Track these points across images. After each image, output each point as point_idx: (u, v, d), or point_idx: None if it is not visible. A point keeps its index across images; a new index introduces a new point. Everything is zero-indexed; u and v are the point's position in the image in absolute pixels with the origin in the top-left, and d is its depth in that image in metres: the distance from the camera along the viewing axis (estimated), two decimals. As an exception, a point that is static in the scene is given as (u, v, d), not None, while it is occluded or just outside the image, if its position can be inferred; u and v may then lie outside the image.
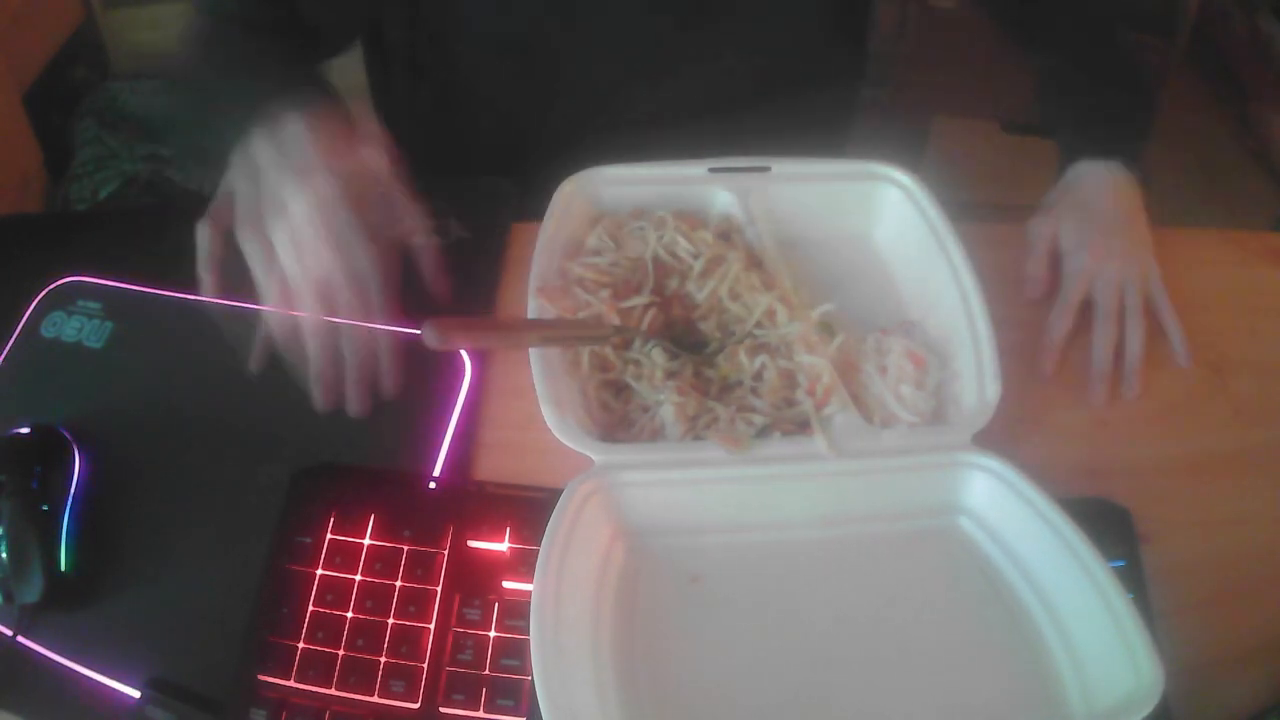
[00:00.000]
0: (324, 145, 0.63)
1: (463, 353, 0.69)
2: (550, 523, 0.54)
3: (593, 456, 0.58)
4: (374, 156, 0.66)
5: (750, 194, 0.72)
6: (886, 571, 0.60)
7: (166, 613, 0.59)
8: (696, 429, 0.61)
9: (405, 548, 0.59)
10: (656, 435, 0.62)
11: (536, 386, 0.60)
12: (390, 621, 0.57)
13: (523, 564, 0.58)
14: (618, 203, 0.73)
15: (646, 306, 0.66)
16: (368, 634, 0.57)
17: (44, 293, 0.73)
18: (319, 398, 0.64)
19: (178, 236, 0.79)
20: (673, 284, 0.68)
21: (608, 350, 0.64)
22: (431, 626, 0.57)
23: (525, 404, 0.62)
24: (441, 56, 0.87)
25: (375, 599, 0.58)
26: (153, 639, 0.58)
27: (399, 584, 0.58)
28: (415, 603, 0.58)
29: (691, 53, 0.83)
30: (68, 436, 0.64)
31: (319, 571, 0.59)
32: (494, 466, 0.65)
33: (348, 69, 0.88)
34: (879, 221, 0.75)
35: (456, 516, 0.61)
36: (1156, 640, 0.52)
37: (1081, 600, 0.54)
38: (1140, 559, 0.61)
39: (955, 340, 0.66)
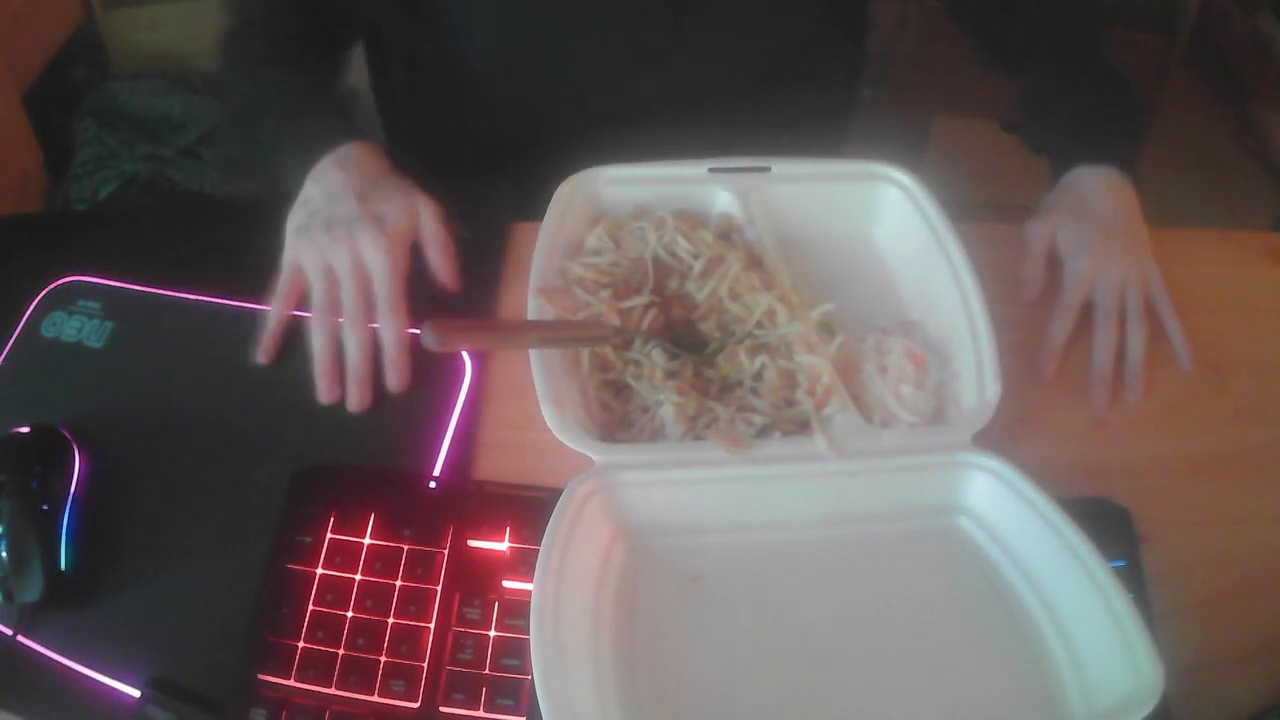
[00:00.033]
0: (374, 170, 0.69)
1: (463, 353, 0.69)
2: (550, 523, 0.54)
3: (593, 456, 0.58)
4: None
5: (750, 194, 0.72)
6: (886, 571, 0.60)
7: (166, 613, 0.59)
8: (696, 429, 0.61)
9: (405, 547, 0.59)
10: (656, 435, 0.61)
11: (536, 386, 0.60)
12: (390, 621, 0.57)
13: (523, 564, 0.58)
14: (618, 203, 0.73)
15: (646, 307, 0.66)
16: (368, 633, 0.57)
17: (44, 293, 0.73)
18: (321, 391, 0.65)
19: (178, 236, 0.80)
20: (673, 284, 0.68)
21: (608, 350, 0.64)
22: (431, 626, 0.57)
23: (525, 404, 0.62)
24: (440, 52, 0.87)
25: (375, 598, 0.58)
26: (153, 639, 0.58)
27: (399, 583, 0.58)
28: (415, 602, 0.58)
29: (690, 48, 0.83)
30: (68, 436, 0.64)
31: (319, 571, 0.59)
32: (494, 466, 0.65)
33: (349, 69, 0.88)
34: (879, 221, 0.75)
35: (456, 516, 0.61)
36: (1156, 640, 0.52)
37: (1081, 600, 0.54)
38: (1140, 559, 0.61)
39: (955, 340, 0.66)
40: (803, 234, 0.73)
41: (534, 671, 0.49)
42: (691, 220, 0.71)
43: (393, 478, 0.63)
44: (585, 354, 0.64)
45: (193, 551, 0.61)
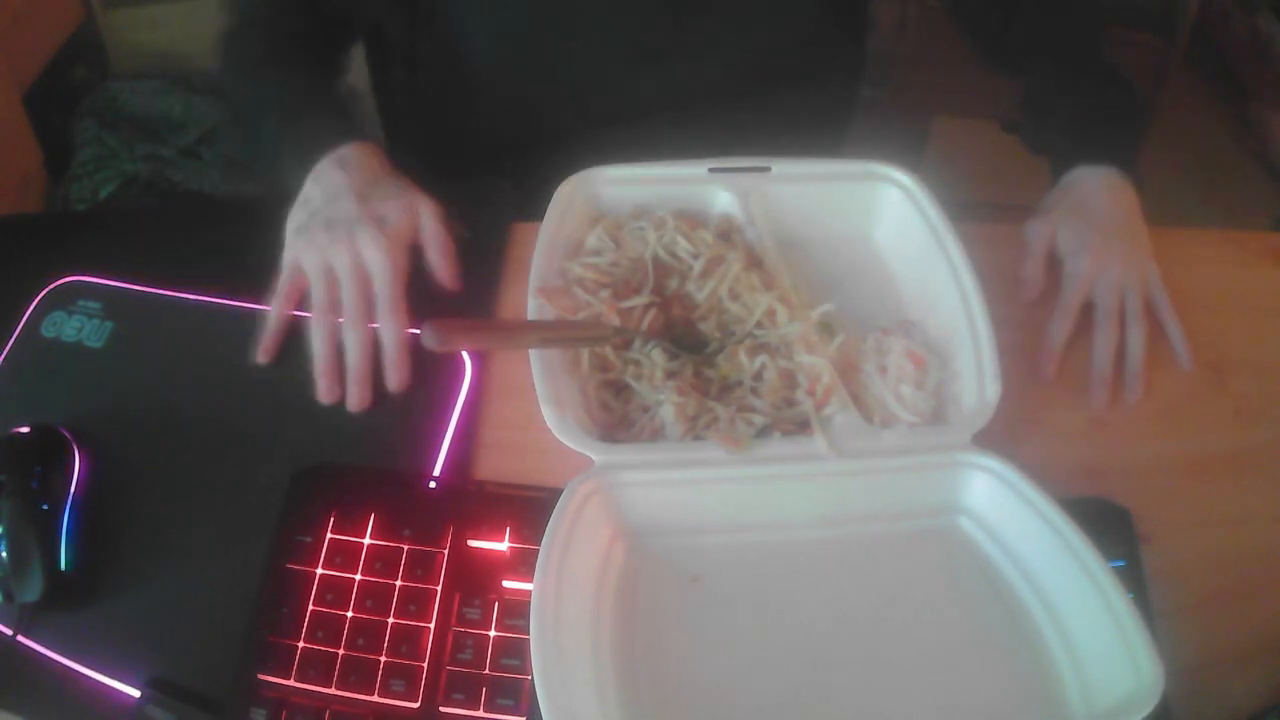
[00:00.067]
0: (374, 170, 0.69)
1: (463, 353, 0.69)
2: (550, 523, 0.54)
3: (593, 456, 0.58)
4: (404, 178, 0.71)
5: (750, 194, 0.72)
6: (886, 571, 0.60)
7: (166, 613, 0.59)
8: (696, 429, 0.61)
9: (405, 547, 0.59)
10: (656, 435, 0.61)
11: (536, 386, 0.60)
12: (390, 621, 0.57)
13: (523, 564, 0.58)
14: (618, 203, 0.73)
15: (646, 307, 0.66)
16: (368, 633, 0.57)
17: (44, 293, 0.73)
18: (321, 391, 0.65)
19: (178, 236, 0.80)
20: (673, 284, 0.68)
21: (608, 350, 0.64)
22: (431, 626, 0.57)
23: (525, 404, 0.62)
24: (440, 52, 0.87)
25: (375, 598, 0.58)
26: (153, 639, 0.58)
27: (399, 583, 0.58)
28: (415, 602, 0.58)
29: (689, 47, 0.83)
30: (68, 436, 0.64)
31: (319, 571, 0.59)
32: (494, 466, 0.65)
33: (349, 69, 0.88)
34: (879, 221, 0.75)
35: (456, 516, 0.61)
36: (1156, 640, 0.52)
37: (1081, 600, 0.54)
38: (1140, 559, 0.61)
39: (955, 340, 0.66)
40: (803, 234, 0.73)
41: (534, 671, 0.49)
42: (691, 220, 0.71)
43: (393, 478, 0.63)
44: (585, 354, 0.64)
45: (193, 551, 0.61)
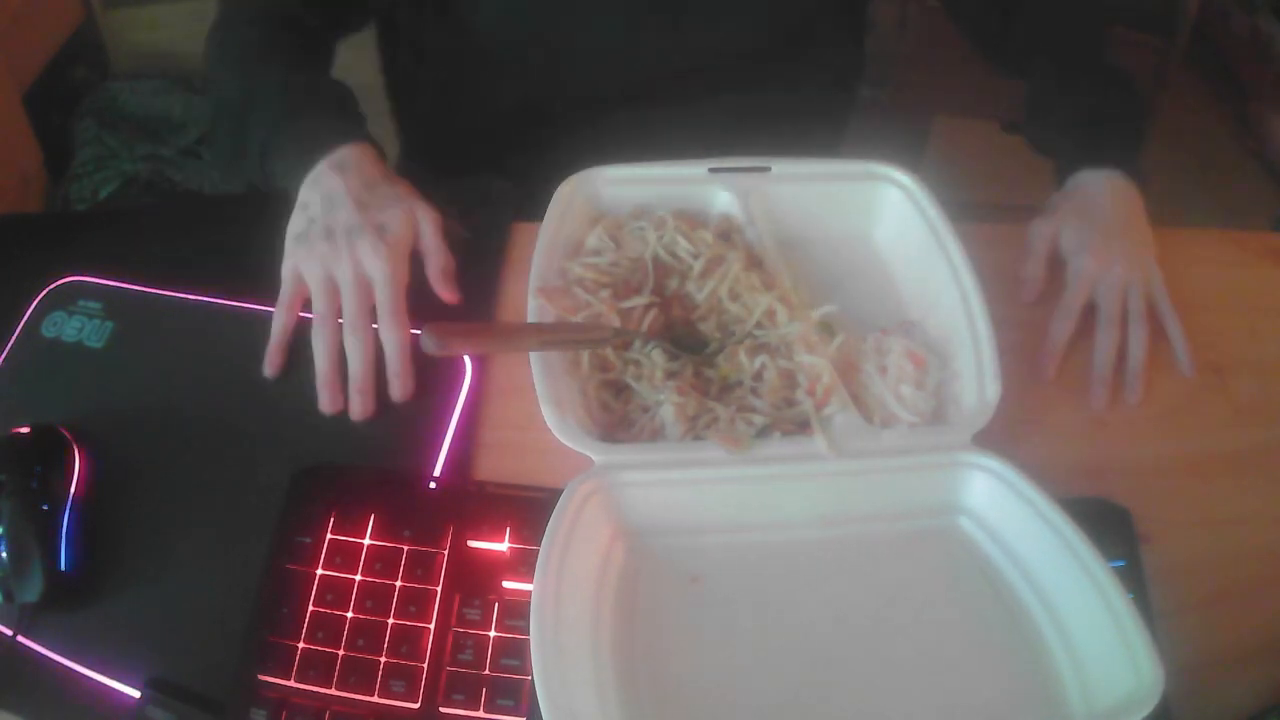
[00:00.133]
0: (372, 175, 0.69)
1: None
2: (550, 523, 0.54)
3: (593, 456, 0.58)
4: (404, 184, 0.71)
5: (750, 194, 0.72)
6: (886, 571, 0.60)
7: (166, 613, 0.59)
8: (696, 429, 0.61)
9: (405, 548, 0.59)
10: (656, 435, 0.61)
11: (536, 386, 0.60)
12: (390, 621, 0.57)
13: (523, 564, 0.58)
14: (618, 203, 0.73)
15: (647, 307, 0.66)
16: (368, 634, 0.57)
17: (44, 293, 0.73)
18: (324, 402, 0.65)
19: (178, 236, 0.80)
20: (673, 284, 0.68)
21: (608, 350, 0.64)
22: (431, 626, 0.57)
23: (525, 404, 0.62)
24: (447, 35, 0.87)
25: (375, 599, 0.58)
26: (153, 639, 0.58)
27: (399, 584, 0.58)
28: (415, 603, 0.58)
29: (694, 19, 0.83)
30: (68, 436, 0.64)
31: (319, 571, 0.59)
32: (494, 466, 0.65)
33: (357, 68, 0.88)
34: (879, 221, 0.75)
35: (456, 516, 0.61)
36: (1156, 640, 0.52)
37: (1081, 600, 0.54)
38: (1140, 559, 0.61)
39: (955, 340, 0.66)
40: (803, 234, 0.73)
41: (534, 671, 0.49)
42: (691, 220, 0.71)
43: (393, 478, 0.63)
44: (585, 354, 0.64)
45: (193, 551, 0.61)
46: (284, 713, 0.54)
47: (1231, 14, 2.10)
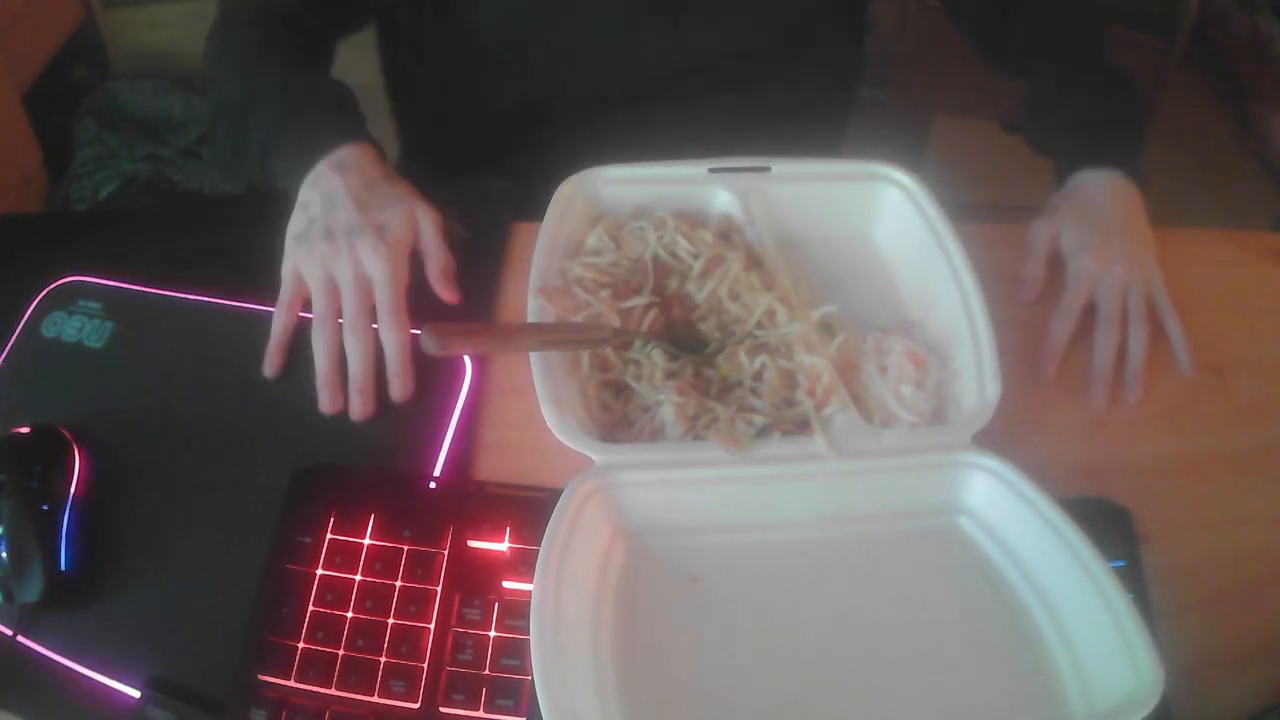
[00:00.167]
0: (372, 175, 0.69)
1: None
2: (550, 523, 0.54)
3: (593, 456, 0.58)
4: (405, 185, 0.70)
5: (750, 194, 0.72)
6: (886, 571, 0.60)
7: (166, 613, 0.59)
8: (696, 429, 0.61)
9: (405, 548, 0.59)
10: (656, 435, 0.62)
11: (536, 387, 0.60)
12: (390, 621, 0.57)
13: (523, 564, 0.58)
14: (618, 203, 0.73)
15: (647, 307, 0.66)
16: (368, 634, 0.57)
17: (44, 293, 0.73)
18: (324, 402, 0.65)
19: (178, 236, 0.80)
20: (673, 284, 0.68)
21: (608, 350, 0.64)
22: (431, 626, 0.57)
23: (525, 404, 0.62)
24: (446, 35, 0.87)
25: (375, 599, 0.58)
26: (153, 639, 0.58)
27: (399, 584, 0.58)
28: (415, 603, 0.58)
29: (693, 17, 0.83)
30: (68, 436, 0.64)
31: (319, 571, 0.59)
32: (494, 466, 0.65)
33: (357, 68, 0.88)
34: (879, 221, 0.75)
35: (456, 516, 0.61)
36: (1156, 640, 0.52)
37: (1081, 600, 0.54)
38: (1140, 559, 0.61)
39: (955, 340, 0.66)
40: (803, 234, 0.73)
41: (534, 671, 0.49)
42: (691, 220, 0.71)
43: (393, 478, 0.63)
44: (585, 354, 0.64)
45: (193, 551, 0.61)
46: (284, 713, 0.54)
47: (1231, 14, 2.10)
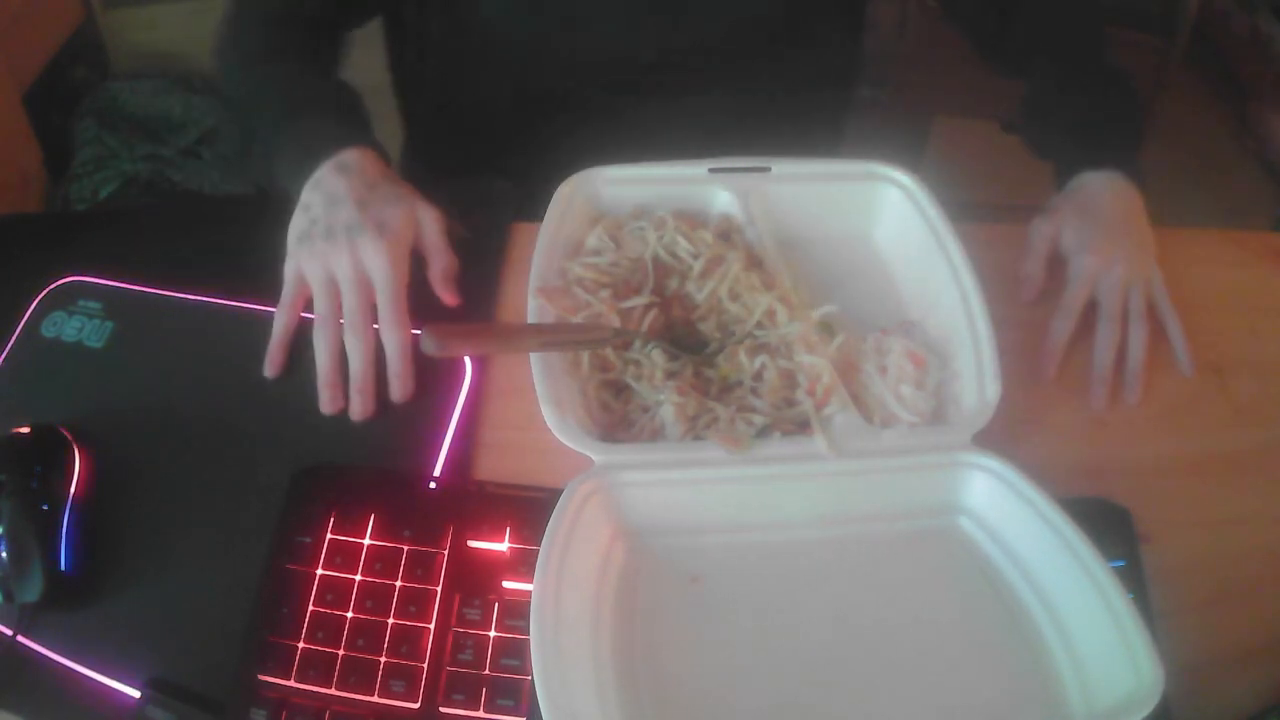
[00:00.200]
0: (373, 175, 0.68)
1: (463, 353, 0.69)
2: (550, 523, 0.54)
3: (593, 456, 0.58)
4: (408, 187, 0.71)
5: (750, 194, 0.72)
6: (886, 571, 0.60)
7: (166, 613, 0.59)
8: (696, 429, 0.61)
9: (405, 548, 0.59)
10: (656, 435, 0.61)
11: (536, 387, 0.60)
12: (390, 621, 0.57)
13: (523, 564, 0.58)
14: (618, 203, 0.73)
15: (647, 307, 0.66)
16: (368, 634, 0.57)
17: (44, 293, 0.74)
18: (324, 401, 0.65)
19: (178, 236, 0.80)
20: (673, 284, 0.68)
21: (608, 350, 0.64)
22: (431, 626, 0.57)
23: (525, 404, 0.62)
24: (449, 28, 0.87)
25: (375, 599, 0.58)
26: (153, 639, 0.58)
27: (399, 584, 0.58)
28: (415, 603, 0.58)
29: (691, 9, 0.83)
30: (68, 436, 0.64)
31: (319, 571, 0.59)
32: (494, 466, 0.65)
33: (364, 67, 0.89)
34: (879, 221, 0.75)
35: (456, 516, 0.61)
36: (1156, 640, 0.52)
37: (1081, 600, 0.54)
38: (1140, 559, 0.61)
39: (955, 340, 0.66)
40: (803, 234, 0.73)
41: (534, 671, 0.49)
42: (691, 220, 0.71)
43: (393, 478, 0.63)
44: (585, 354, 0.64)
45: (193, 551, 0.61)
46: (284, 713, 0.54)
47: (1231, 14, 2.10)
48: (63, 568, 0.59)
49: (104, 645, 0.58)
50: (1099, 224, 0.74)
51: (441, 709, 0.55)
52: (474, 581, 0.58)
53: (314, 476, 0.63)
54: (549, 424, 0.59)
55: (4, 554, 0.58)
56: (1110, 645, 0.52)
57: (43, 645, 0.58)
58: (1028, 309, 0.74)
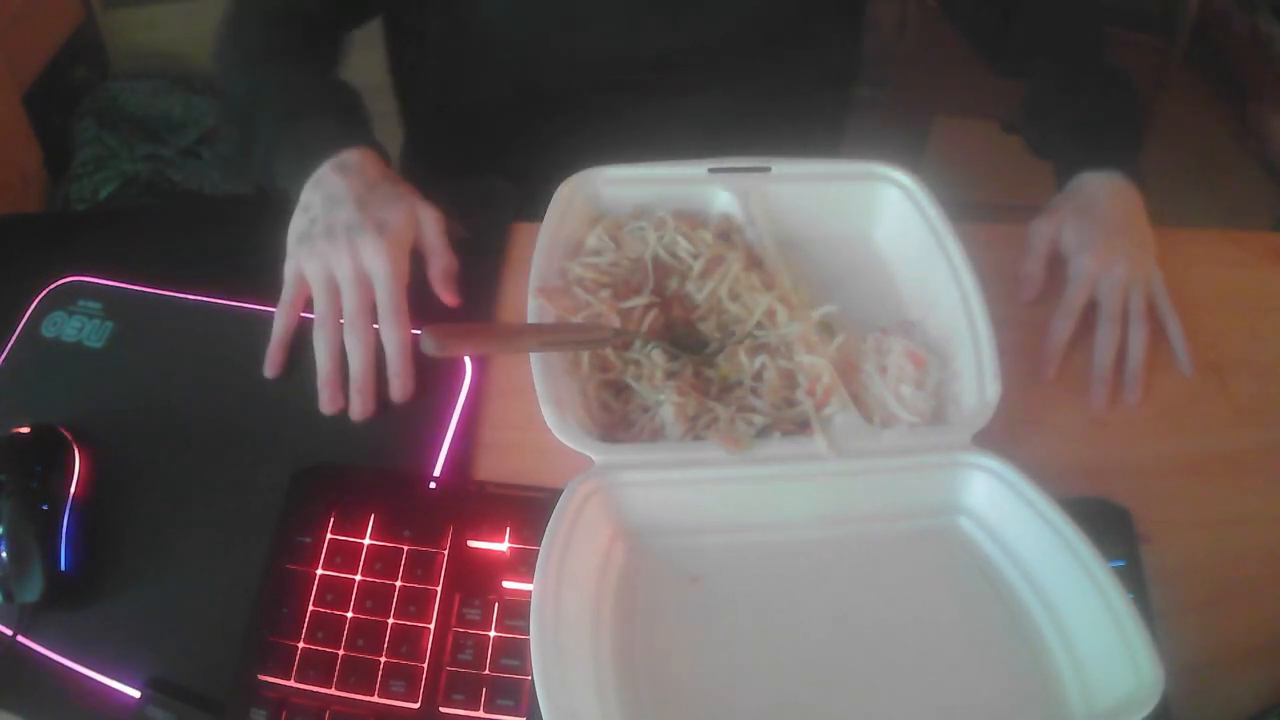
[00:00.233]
0: (373, 175, 0.69)
1: (463, 353, 0.69)
2: (550, 523, 0.54)
3: (593, 456, 0.58)
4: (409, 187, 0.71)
5: (750, 194, 0.72)
6: (886, 571, 0.60)
7: (166, 613, 0.59)
8: (696, 429, 0.61)
9: (405, 548, 0.59)
10: (656, 435, 0.61)
11: (536, 387, 0.60)
12: (390, 621, 0.57)
13: (523, 564, 0.58)
14: (618, 203, 0.73)
15: (647, 307, 0.66)
16: (368, 634, 0.57)
17: (44, 293, 0.73)
18: (324, 401, 0.65)
19: (178, 236, 0.80)
20: (673, 284, 0.68)
21: (608, 350, 0.64)
22: (431, 626, 0.57)
23: (525, 404, 0.62)
24: (449, 27, 0.87)
25: (375, 599, 0.58)
26: (153, 639, 0.58)
27: (399, 584, 0.58)
28: (415, 603, 0.58)
29: (691, 8, 0.83)
30: (68, 436, 0.64)
31: (319, 571, 0.59)
32: (494, 466, 0.65)
33: (365, 68, 0.89)
34: (879, 221, 0.75)
35: (456, 516, 0.61)
36: (1156, 640, 0.52)
37: (1081, 600, 0.54)
38: (1140, 559, 0.61)
39: (955, 340, 0.66)
40: (803, 234, 0.73)
41: (534, 671, 0.49)
42: (691, 220, 0.71)
43: (393, 478, 0.63)
44: (585, 354, 0.64)
45: (193, 551, 0.61)
46: (284, 713, 0.54)
47: (1231, 14, 2.10)
48: (63, 568, 0.59)
49: (104, 645, 0.58)
50: (1099, 224, 0.74)
51: (441, 709, 0.55)
52: (474, 581, 0.58)
53: (314, 476, 0.63)
54: (549, 424, 0.59)
55: (4, 554, 0.58)
56: (1110, 645, 0.52)
57: (43, 645, 0.58)
58: (1028, 309, 0.74)
